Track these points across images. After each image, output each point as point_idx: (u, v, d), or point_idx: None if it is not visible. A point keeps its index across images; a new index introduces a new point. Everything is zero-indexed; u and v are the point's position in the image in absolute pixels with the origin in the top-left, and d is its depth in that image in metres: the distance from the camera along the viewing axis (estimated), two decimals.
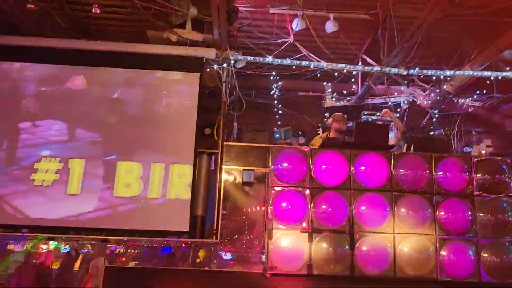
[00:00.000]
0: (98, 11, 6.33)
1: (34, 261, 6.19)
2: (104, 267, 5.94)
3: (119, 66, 6.57)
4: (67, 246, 6.34)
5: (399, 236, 5.84)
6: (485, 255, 5.84)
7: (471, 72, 7.35)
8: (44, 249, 6.29)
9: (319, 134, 7.80)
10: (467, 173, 6.13)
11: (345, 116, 7.13)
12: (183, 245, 6.21)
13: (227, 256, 5.96)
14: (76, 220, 6.07)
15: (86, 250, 6.36)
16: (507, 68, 7.35)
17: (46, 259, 6.20)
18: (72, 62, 6.54)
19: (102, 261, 6.19)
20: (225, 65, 6.75)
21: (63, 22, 6.66)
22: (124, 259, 6.24)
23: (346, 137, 6.80)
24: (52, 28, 6.86)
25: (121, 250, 6.24)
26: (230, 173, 6.22)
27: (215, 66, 6.71)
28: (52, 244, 6.33)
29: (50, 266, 6.24)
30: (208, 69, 6.75)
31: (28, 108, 6.45)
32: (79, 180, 6.16)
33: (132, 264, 6.37)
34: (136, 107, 6.55)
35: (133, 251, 6.28)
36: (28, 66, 6.58)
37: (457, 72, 7.41)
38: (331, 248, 5.73)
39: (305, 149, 6.20)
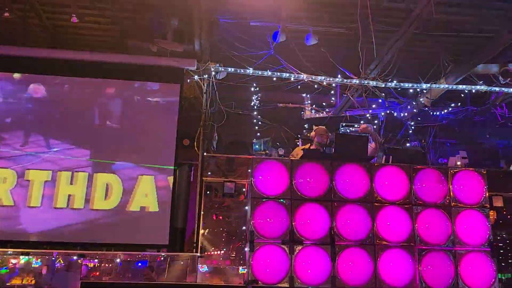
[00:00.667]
0: (76, 21, 6.21)
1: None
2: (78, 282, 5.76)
3: (98, 76, 6.44)
4: (39, 260, 6.14)
5: (379, 247, 5.88)
6: (463, 265, 5.93)
7: (446, 86, 7.55)
8: (14, 263, 6.08)
9: (298, 145, 7.83)
10: (444, 184, 6.24)
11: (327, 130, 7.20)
12: (159, 258, 6.11)
13: (204, 268, 5.88)
14: (51, 234, 5.87)
15: (58, 265, 6.18)
16: (481, 82, 7.57)
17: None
18: (49, 72, 6.38)
19: (74, 277, 6.02)
20: (205, 76, 6.74)
21: (40, 31, 6.52)
22: (98, 273, 6.07)
23: (326, 148, 6.84)
24: (29, 37, 6.71)
25: (95, 265, 6.08)
26: (211, 185, 6.16)
27: (196, 77, 6.68)
28: (23, 259, 6.13)
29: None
30: (188, 80, 6.72)
31: None
32: (55, 193, 5.98)
33: (106, 279, 6.21)
34: (115, 117, 6.44)
35: (107, 265, 6.13)
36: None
37: (433, 85, 7.59)
38: (312, 260, 5.71)
39: (286, 160, 6.20)
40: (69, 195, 6.05)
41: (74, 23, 6.43)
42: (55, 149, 6.19)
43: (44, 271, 6.29)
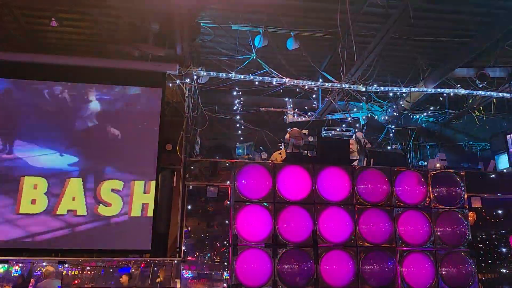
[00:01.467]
0: (56, 24, 6.14)
1: None
2: None
3: (78, 81, 6.36)
4: (18, 269, 6.02)
5: (361, 249, 5.94)
6: (443, 265, 6.04)
7: (425, 89, 7.69)
8: None
9: (281, 149, 7.87)
10: (424, 186, 6.35)
11: (304, 131, 7.26)
12: (142, 264, 6.05)
13: (188, 274, 5.85)
14: (31, 241, 5.76)
15: (39, 273, 6.07)
16: (458, 86, 7.73)
17: None
18: (27, 76, 6.27)
19: (55, 284, 5.91)
20: (187, 80, 6.72)
21: (19, 35, 6.42)
22: (79, 281, 5.98)
23: (308, 152, 6.90)
24: (7, 41, 6.61)
25: (76, 272, 5.99)
26: (193, 189, 6.14)
27: (178, 81, 6.66)
28: (2, 268, 6.00)
29: None
30: (170, 85, 6.70)
31: None
32: (31, 199, 5.86)
33: (88, 286, 6.13)
34: (96, 123, 6.36)
35: (89, 272, 6.04)
36: None
37: (413, 89, 7.73)
38: (295, 263, 5.74)
39: (268, 164, 6.23)
40: (50, 201, 5.93)
41: (53, 27, 6.34)
42: (35, 154, 6.08)
43: (23, 279, 6.16)
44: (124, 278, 6.28)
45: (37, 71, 6.29)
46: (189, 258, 5.84)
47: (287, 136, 7.18)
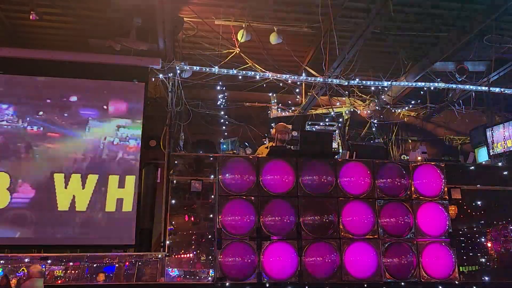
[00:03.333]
0: (36, 18, 6.05)
1: None
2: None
3: (60, 76, 6.29)
4: (0, 269, 5.91)
5: (344, 240, 6.02)
6: (424, 255, 6.16)
7: (406, 83, 7.81)
8: None
9: (265, 143, 7.92)
10: (405, 178, 6.45)
11: (288, 126, 7.30)
12: (127, 263, 6.01)
13: (174, 272, 5.83)
14: (11, 237, 5.70)
15: (21, 274, 5.97)
16: (439, 79, 7.86)
17: None
18: (9, 71, 6.18)
19: (39, 284, 5.83)
20: (170, 75, 6.71)
21: None
22: (62, 281, 5.91)
23: (292, 147, 6.94)
24: None
25: (59, 272, 5.91)
26: (177, 184, 6.13)
27: (161, 76, 6.64)
28: None
29: None
30: (153, 79, 6.67)
31: None
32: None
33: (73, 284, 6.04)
34: (78, 117, 6.30)
35: (73, 272, 5.97)
36: None
37: (394, 83, 7.84)
38: (279, 255, 5.79)
39: (252, 158, 6.26)
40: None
41: (34, 21, 6.26)
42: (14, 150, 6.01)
43: (7, 280, 6.07)
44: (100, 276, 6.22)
45: (18, 65, 6.21)
46: (175, 255, 5.82)
47: (273, 131, 7.22)
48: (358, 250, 6.02)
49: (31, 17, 6.01)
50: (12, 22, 6.73)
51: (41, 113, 6.16)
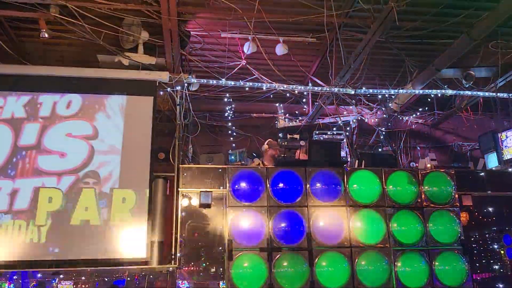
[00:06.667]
0: (46, 36, 6.16)
1: None
2: None
3: (69, 91, 6.38)
4: (11, 285, 5.95)
5: (356, 250, 5.99)
6: (437, 263, 6.10)
7: (412, 90, 7.81)
8: None
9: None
10: (416, 186, 6.42)
11: (275, 144, 7.35)
12: (136, 276, 6.02)
13: (185, 284, 5.83)
14: (23, 252, 5.72)
15: None
16: (446, 86, 7.85)
17: None
18: (17, 89, 6.28)
19: None
20: (178, 88, 6.76)
21: (8, 47, 6.42)
22: None
23: (300, 156, 6.95)
24: None
25: (70, 286, 5.93)
26: (187, 196, 6.16)
27: (169, 89, 6.71)
28: None
29: None
30: (161, 93, 6.74)
31: None
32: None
33: None
34: (88, 133, 6.37)
35: (83, 286, 5.99)
36: None
37: (401, 91, 7.84)
38: (290, 266, 5.77)
39: (261, 169, 6.28)
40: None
41: (43, 39, 6.36)
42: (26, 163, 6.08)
43: None
44: None
45: (27, 82, 6.31)
46: (185, 268, 5.83)
47: (266, 146, 7.30)
48: (370, 259, 5.98)
49: (41, 35, 6.10)
50: (22, 40, 6.85)
51: None
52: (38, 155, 6.11)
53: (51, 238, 5.81)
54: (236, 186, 6.08)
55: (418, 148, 9.71)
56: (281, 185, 6.12)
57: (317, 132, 8.67)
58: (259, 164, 7.23)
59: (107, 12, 5.85)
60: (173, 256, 5.92)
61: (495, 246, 6.68)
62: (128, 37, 6.30)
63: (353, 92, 7.47)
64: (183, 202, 6.10)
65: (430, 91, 7.89)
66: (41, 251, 5.77)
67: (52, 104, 6.32)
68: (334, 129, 8.94)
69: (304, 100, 8.76)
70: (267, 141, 7.48)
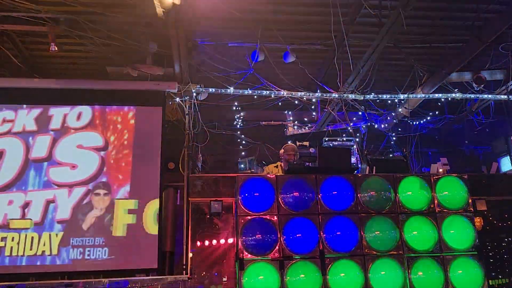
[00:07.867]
0: (55, 49, 6.23)
1: None
2: None
3: (79, 103, 6.44)
4: None
5: (369, 257, 5.90)
6: (452, 269, 5.98)
7: (422, 95, 7.74)
8: None
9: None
10: (428, 191, 6.33)
11: (296, 148, 7.29)
12: (148, 287, 6.00)
13: None
14: (35, 264, 5.75)
15: None
16: (456, 90, 7.77)
17: None
18: (27, 101, 6.35)
19: None
20: (187, 97, 6.79)
21: (19, 61, 6.52)
22: None
23: (309, 163, 6.91)
24: (7, 68, 6.72)
25: None
26: (197, 206, 6.15)
27: (177, 99, 6.73)
28: None
29: None
30: (170, 103, 6.77)
31: None
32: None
33: None
34: (98, 144, 6.41)
35: None
36: None
37: (410, 95, 7.78)
38: (302, 275, 5.70)
39: (271, 177, 6.24)
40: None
41: (53, 52, 6.44)
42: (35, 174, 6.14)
43: None
44: None
45: (37, 95, 6.38)
46: (196, 277, 5.80)
47: (282, 151, 7.24)
48: (383, 267, 5.89)
49: (51, 48, 6.18)
50: (33, 53, 6.94)
51: None
52: (49, 167, 6.16)
53: (63, 249, 5.84)
54: (246, 194, 6.04)
55: (430, 153, 9.61)
56: (291, 193, 6.07)
57: (326, 139, 8.62)
58: (277, 166, 7.16)
59: (116, 25, 5.91)
60: (184, 266, 5.89)
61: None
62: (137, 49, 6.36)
63: (362, 98, 7.44)
64: (193, 212, 6.09)
65: (440, 95, 7.83)
66: (53, 262, 5.80)
67: (62, 116, 6.39)
68: (344, 135, 8.88)
69: (313, 107, 8.74)
70: (284, 145, 7.41)
